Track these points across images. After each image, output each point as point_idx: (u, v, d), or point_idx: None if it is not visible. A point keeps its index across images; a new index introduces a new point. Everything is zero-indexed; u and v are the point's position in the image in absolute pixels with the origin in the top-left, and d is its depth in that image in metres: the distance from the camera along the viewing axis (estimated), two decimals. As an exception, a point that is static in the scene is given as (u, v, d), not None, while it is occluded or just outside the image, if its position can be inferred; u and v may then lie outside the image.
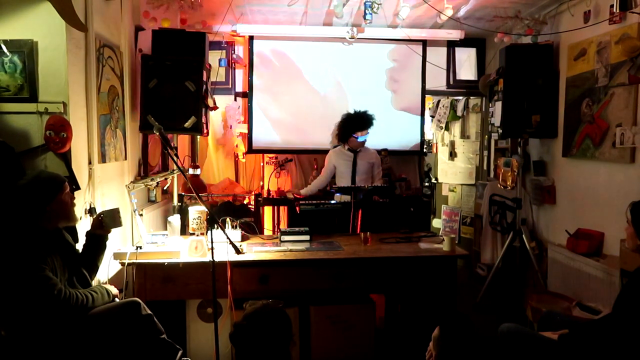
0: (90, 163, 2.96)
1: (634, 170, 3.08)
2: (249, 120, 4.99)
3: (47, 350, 2.21)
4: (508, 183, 4.14)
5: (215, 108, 4.15)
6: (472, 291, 4.39)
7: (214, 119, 4.83)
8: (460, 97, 5.56)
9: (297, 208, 4.07)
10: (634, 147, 3.07)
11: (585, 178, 3.59)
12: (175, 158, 2.87)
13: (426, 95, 5.25)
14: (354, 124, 4.41)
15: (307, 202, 4.06)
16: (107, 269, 2.89)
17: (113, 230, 2.72)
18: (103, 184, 3.10)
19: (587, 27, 3.52)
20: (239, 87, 5.08)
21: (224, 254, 2.81)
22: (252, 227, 3.59)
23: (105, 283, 2.81)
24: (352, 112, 4.53)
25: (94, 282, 2.66)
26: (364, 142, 4.41)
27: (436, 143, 6.16)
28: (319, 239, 3.49)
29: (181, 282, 2.98)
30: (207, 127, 3.98)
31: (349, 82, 5.09)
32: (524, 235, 4.01)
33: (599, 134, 3.38)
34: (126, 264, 2.89)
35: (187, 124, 3.61)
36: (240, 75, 5.08)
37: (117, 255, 2.94)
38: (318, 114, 5.06)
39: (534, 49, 3.97)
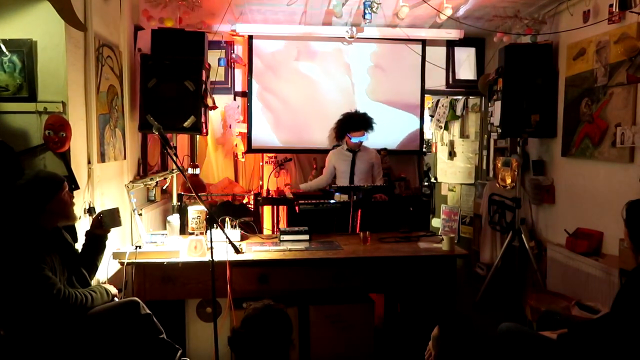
0: (89, 162, 2.95)
1: (633, 169, 3.09)
2: (249, 120, 4.99)
3: (47, 350, 2.21)
4: (507, 182, 4.14)
5: (214, 107, 4.14)
6: (471, 291, 4.39)
7: (213, 118, 4.83)
8: (460, 97, 5.56)
9: (297, 207, 4.07)
10: (633, 147, 3.07)
11: (585, 177, 3.59)
12: (174, 157, 2.87)
13: (425, 95, 5.26)
14: (350, 124, 4.42)
15: (306, 201, 4.06)
16: (106, 268, 2.89)
17: (112, 229, 2.72)
18: (102, 183, 3.10)
19: (587, 27, 3.52)
20: (239, 87, 5.08)
21: (224, 253, 2.80)
22: (251, 227, 3.59)
23: (105, 283, 2.81)
24: (351, 111, 4.53)
25: (94, 282, 2.65)
26: (360, 143, 4.41)
27: (435, 142, 6.17)
28: (319, 239, 3.49)
29: (180, 282, 2.98)
30: (206, 127, 3.98)
31: (349, 82, 5.09)
32: (523, 235, 4.01)
33: (598, 133, 3.38)
34: (125, 264, 2.89)
35: (186, 124, 3.60)
36: (239, 74, 5.08)
37: (116, 255, 2.94)
38: (317, 113, 5.06)
39: (533, 48, 3.97)
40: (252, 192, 4.69)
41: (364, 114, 4.49)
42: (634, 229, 2.19)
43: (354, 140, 4.37)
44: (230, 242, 2.64)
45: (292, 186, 4.72)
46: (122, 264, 2.91)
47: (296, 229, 3.51)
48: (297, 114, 5.07)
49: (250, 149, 5.03)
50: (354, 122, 4.42)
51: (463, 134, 5.71)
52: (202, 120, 3.79)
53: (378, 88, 5.11)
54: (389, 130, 5.05)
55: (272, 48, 4.99)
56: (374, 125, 4.50)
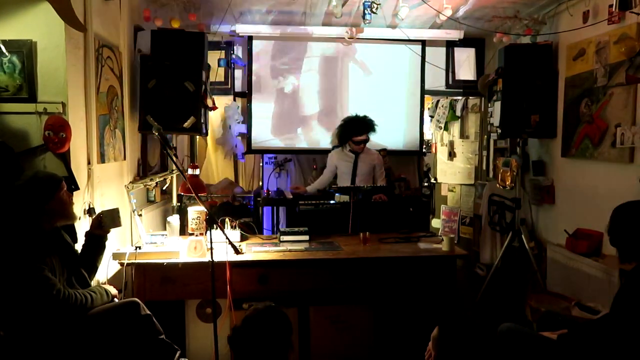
0: (89, 163, 2.95)
1: (632, 170, 3.08)
2: (248, 120, 4.99)
3: (47, 350, 2.21)
4: (507, 183, 4.14)
5: (214, 108, 4.14)
6: (471, 291, 4.39)
7: (213, 119, 4.83)
8: (460, 97, 5.55)
9: (297, 208, 4.07)
10: (633, 147, 3.07)
11: (584, 178, 3.59)
12: (174, 158, 2.87)
13: (425, 95, 5.26)
14: (353, 128, 4.38)
15: (306, 202, 4.06)
16: (106, 269, 2.90)
17: (112, 230, 2.72)
18: (102, 184, 3.10)
19: (586, 27, 3.52)
20: (238, 87, 5.08)
21: (223, 254, 2.81)
22: (251, 227, 3.59)
23: (105, 283, 2.81)
24: (352, 114, 4.51)
25: (94, 283, 2.65)
26: (364, 145, 4.41)
27: (435, 143, 6.15)
28: (318, 239, 3.49)
29: (180, 282, 2.98)
30: (206, 127, 3.98)
31: (348, 82, 5.08)
32: (523, 235, 4.01)
33: (598, 134, 3.38)
34: (125, 264, 2.90)
35: (186, 124, 3.60)
36: (239, 75, 5.08)
37: (116, 256, 2.94)
38: (317, 114, 5.06)
39: (533, 49, 3.97)
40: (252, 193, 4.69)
41: (365, 117, 4.44)
42: (614, 234, 2.22)
43: (359, 143, 4.36)
44: (230, 243, 2.64)
45: (292, 187, 4.71)
46: (122, 264, 2.91)
47: (296, 229, 3.51)
48: (297, 114, 5.07)
49: (250, 150, 5.03)
50: (357, 126, 4.38)
51: (463, 135, 5.71)
52: (202, 120, 3.79)
53: (378, 88, 5.11)
54: (389, 131, 5.05)
55: (272, 49, 4.99)
56: (375, 127, 4.47)
